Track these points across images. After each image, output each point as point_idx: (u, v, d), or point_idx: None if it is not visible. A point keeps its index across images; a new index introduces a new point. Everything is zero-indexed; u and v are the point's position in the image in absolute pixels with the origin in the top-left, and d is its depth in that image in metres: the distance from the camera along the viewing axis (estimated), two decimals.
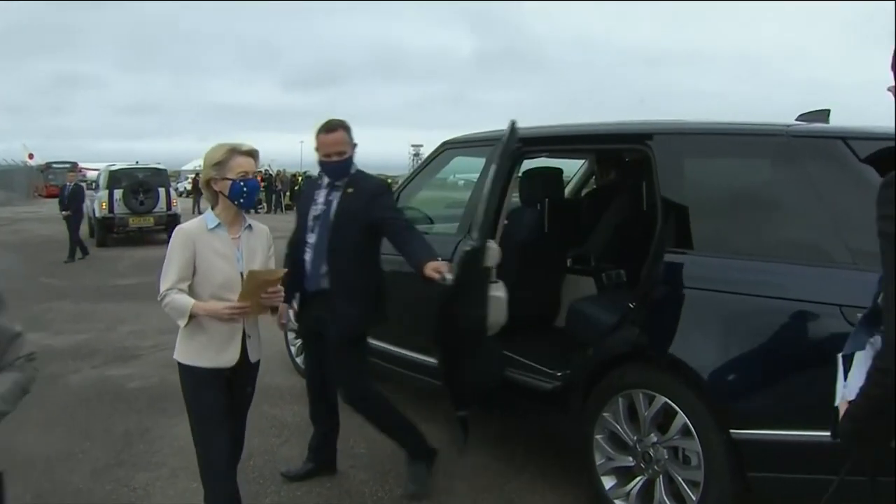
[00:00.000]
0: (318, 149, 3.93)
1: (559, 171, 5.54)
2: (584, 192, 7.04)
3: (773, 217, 3.44)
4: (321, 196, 4.01)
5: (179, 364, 3.28)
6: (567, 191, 6.85)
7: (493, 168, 4.06)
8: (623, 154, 5.87)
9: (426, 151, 4.51)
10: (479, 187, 4.54)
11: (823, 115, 4.07)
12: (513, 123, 3.99)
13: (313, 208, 4.01)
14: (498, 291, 4.11)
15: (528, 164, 5.35)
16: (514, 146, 4.09)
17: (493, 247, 4.01)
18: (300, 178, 34.18)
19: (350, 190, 3.96)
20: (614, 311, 4.01)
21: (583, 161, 7.09)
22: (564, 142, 4.79)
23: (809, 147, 3.35)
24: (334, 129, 3.92)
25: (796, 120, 3.93)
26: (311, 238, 3.98)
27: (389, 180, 5.21)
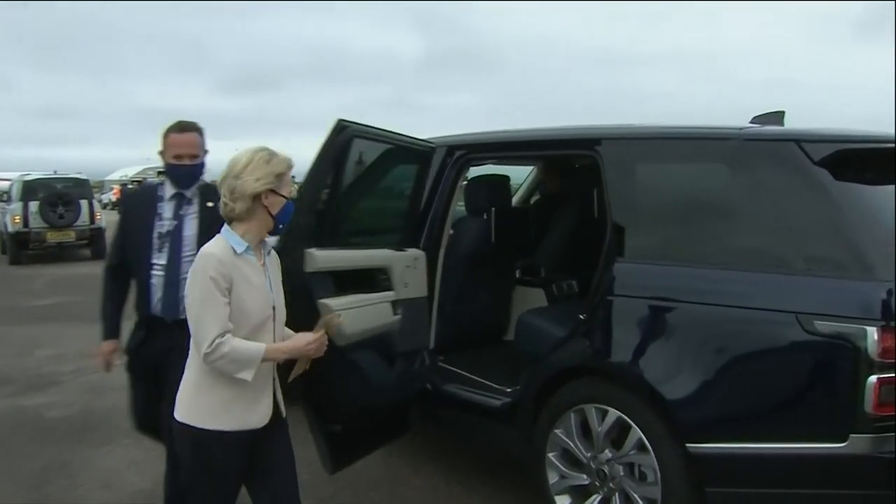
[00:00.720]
0: (165, 151, 3.54)
1: (506, 178, 5.56)
2: (532, 199, 7.06)
3: (726, 223, 3.48)
4: (167, 210, 3.58)
5: (190, 428, 2.72)
6: (515, 199, 6.88)
7: (315, 168, 3.75)
8: (572, 160, 5.92)
9: (368, 160, 4.45)
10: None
11: (778, 116, 4.15)
12: (339, 122, 3.79)
13: (158, 224, 3.54)
14: (332, 300, 3.69)
15: (474, 172, 5.37)
16: (338, 147, 3.80)
17: (315, 253, 3.69)
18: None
19: (210, 204, 3.50)
20: (565, 323, 4.04)
21: (531, 168, 7.11)
22: (511, 148, 4.82)
23: (762, 150, 3.40)
24: (188, 130, 3.58)
25: (750, 122, 4.01)
26: (160, 259, 3.51)
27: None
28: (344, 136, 3.79)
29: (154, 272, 3.52)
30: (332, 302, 3.67)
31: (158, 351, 3.50)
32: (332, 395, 3.79)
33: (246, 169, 2.75)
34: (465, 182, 5.19)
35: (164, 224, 3.54)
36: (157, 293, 3.51)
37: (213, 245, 2.73)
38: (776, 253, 3.25)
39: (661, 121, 4.07)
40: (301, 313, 3.18)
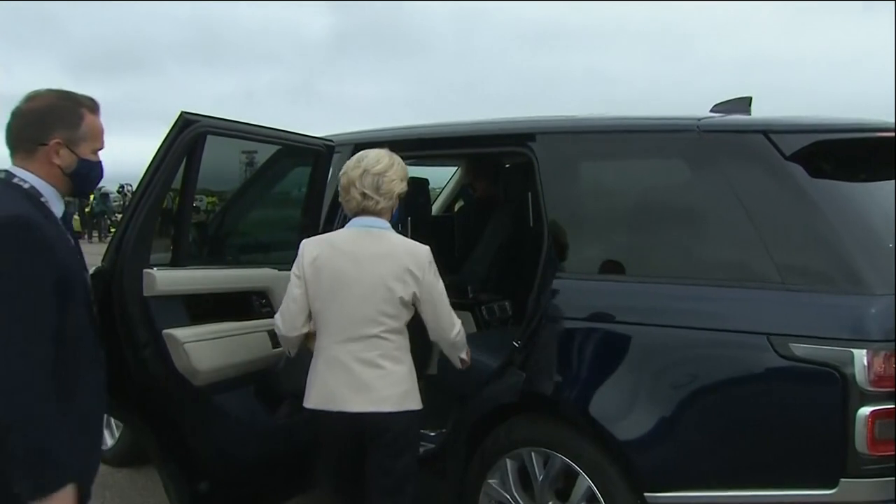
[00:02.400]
0: (88, 138, 2.83)
1: (424, 181, 5.49)
2: (456, 206, 7.01)
3: (685, 231, 3.49)
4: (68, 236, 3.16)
5: (420, 413, 3.42)
6: (435, 206, 6.88)
7: (152, 174, 3.63)
8: (502, 159, 5.87)
9: (262, 159, 4.32)
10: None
11: (744, 103, 4.12)
12: (182, 115, 3.65)
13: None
14: (179, 331, 3.62)
15: None
16: (184, 147, 3.66)
17: (155, 274, 3.57)
18: (91, 195, 32.79)
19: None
20: (497, 353, 4.03)
21: (454, 169, 7.05)
22: (428, 146, 4.76)
23: (725, 143, 3.39)
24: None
25: (711, 111, 3.98)
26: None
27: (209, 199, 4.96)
28: (190, 133, 3.63)
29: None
30: (181, 332, 3.57)
31: None
32: (192, 445, 3.67)
33: (391, 169, 3.45)
34: None
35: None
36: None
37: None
38: (744, 264, 3.24)
39: (619, 110, 4.04)
40: (145, 343, 3.38)
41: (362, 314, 3.26)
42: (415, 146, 4.74)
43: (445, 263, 5.32)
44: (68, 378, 2.51)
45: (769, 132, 3.26)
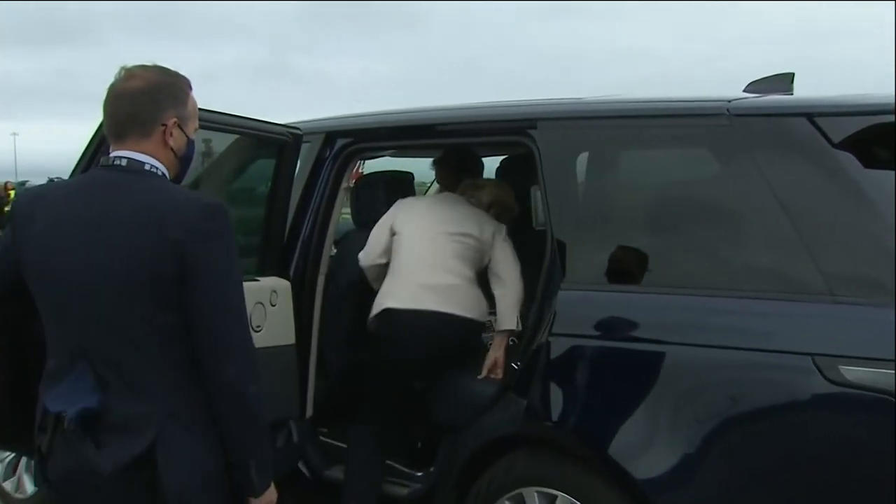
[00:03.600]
0: (192, 117, 2.99)
1: (409, 175, 5.42)
2: None
3: (713, 232, 3.43)
4: None
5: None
6: None
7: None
8: (499, 149, 5.80)
9: (220, 149, 4.24)
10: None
11: (784, 81, 4.00)
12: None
13: None
14: None
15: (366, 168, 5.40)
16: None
17: None
18: (11, 191, 32.90)
19: None
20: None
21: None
22: (415, 134, 4.72)
23: (760, 129, 3.33)
24: None
25: (745, 90, 3.91)
26: None
27: None
28: None
29: None
30: None
31: None
32: None
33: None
34: (352, 183, 5.12)
35: None
36: None
37: None
38: (784, 272, 3.17)
39: (641, 90, 3.97)
40: None
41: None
42: (394, 135, 4.69)
43: None
44: None
45: (814, 115, 3.16)
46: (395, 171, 5.42)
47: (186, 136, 2.72)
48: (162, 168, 2.64)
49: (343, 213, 5.03)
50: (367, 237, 4.97)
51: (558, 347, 3.55)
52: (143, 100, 2.64)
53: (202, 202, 2.55)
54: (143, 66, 2.73)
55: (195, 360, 2.48)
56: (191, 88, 2.79)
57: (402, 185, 5.29)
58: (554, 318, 3.55)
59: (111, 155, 2.65)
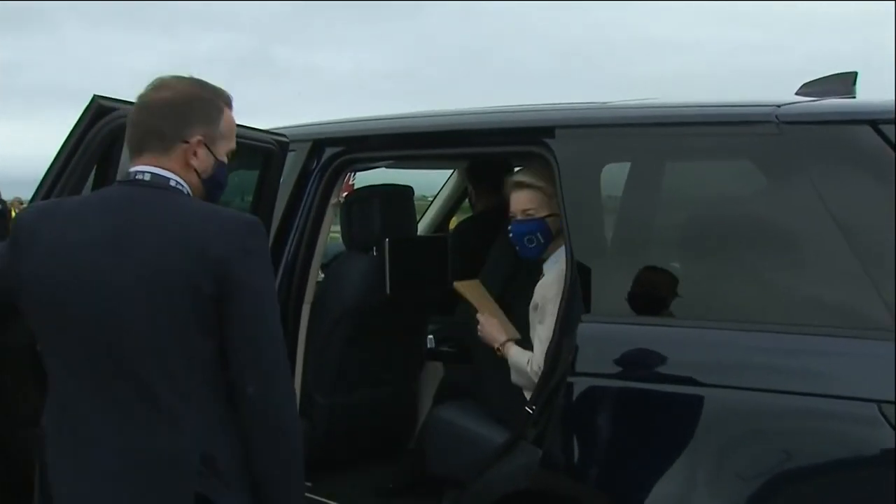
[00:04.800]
0: (226, 137, 3.09)
1: (408, 190, 5.40)
2: (452, 223, 7.02)
3: (756, 259, 3.39)
4: None
5: None
6: (423, 223, 6.87)
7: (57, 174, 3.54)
8: (510, 160, 5.72)
9: None
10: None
11: (845, 82, 3.97)
12: (95, 99, 3.52)
13: None
14: None
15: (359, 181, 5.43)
16: (101, 141, 3.56)
17: None
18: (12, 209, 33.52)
19: None
20: (503, 421, 4.03)
21: (449, 173, 6.94)
22: (415, 143, 4.70)
23: (814, 138, 3.28)
24: None
25: (798, 93, 3.89)
26: None
27: None
28: (108, 123, 3.50)
29: None
30: None
31: None
32: None
33: None
34: (342, 198, 5.10)
35: None
36: None
37: None
38: (842, 305, 3.11)
39: (665, 92, 3.95)
40: None
41: None
42: (390, 144, 4.68)
43: (436, 301, 5.40)
44: None
45: (880, 122, 3.10)
46: (391, 184, 5.38)
47: (215, 158, 2.74)
48: (187, 187, 2.68)
49: (332, 233, 5.05)
50: (360, 264, 4.99)
51: (579, 389, 3.51)
52: (167, 112, 2.67)
53: (243, 219, 2.65)
54: (179, 77, 2.77)
55: (231, 389, 2.55)
56: (229, 106, 2.82)
57: (400, 201, 5.28)
58: (575, 354, 3.51)
59: (131, 169, 2.66)
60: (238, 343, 2.52)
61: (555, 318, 3.73)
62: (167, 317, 2.49)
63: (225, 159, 2.83)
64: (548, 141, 3.79)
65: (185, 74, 2.79)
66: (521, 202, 4.09)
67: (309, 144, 4.55)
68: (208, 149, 2.72)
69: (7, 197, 33.36)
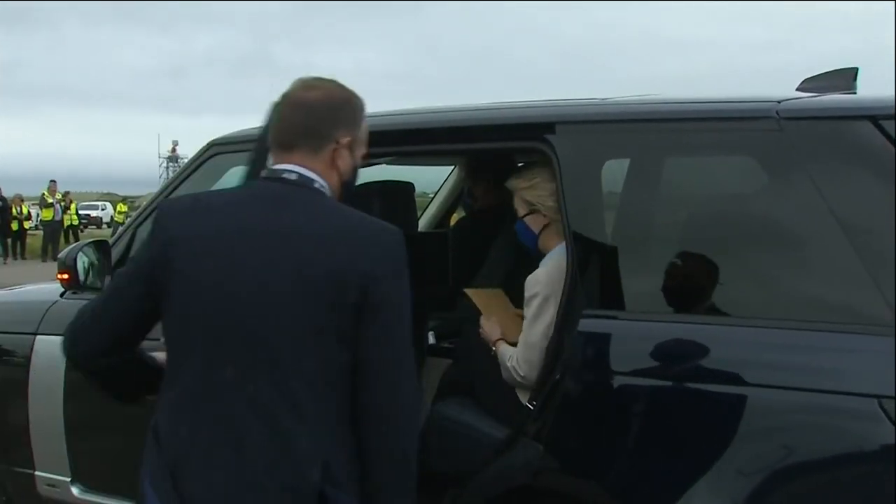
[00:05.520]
0: (363, 143, 3.10)
1: (407, 186, 5.36)
2: (453, 220, 7.01)
3: (755, 255, 3.42)
4: None
5: None
6: (424, 219, 6.85)
7: None
8: (511, 156, 5.72)
9: (190, 154, 4.18)
10: None
11: (846, 77, 3.96)
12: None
13: None
14: None
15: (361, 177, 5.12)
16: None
17: None
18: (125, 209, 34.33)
19: None
20: (503, 418, 4.01)
21: (450, 170, 6.92)
22: (415, 139, 4.68)
23: (814, 134, 3.28)
24: None
25: (798, 89, 3.88)
26: None
27: (126, 204, 4.92)
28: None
29: None
30: None
31: None
32: None
33: None
34: None
35: None
36: None
37: None
38: (841, 301, 3.15)
39: (668, 89, 3.95)
40: None
41: None
42: (387, 140, 4.59)
43: (436, 297, 5.28)
44: None
45: (881, 117, 3.11)
46: (392, 181, 5.37)
47: (354, 161, 2.82)
48: (328, 188, 2.74)
49: None
50: None
51: (577, 384, 3.54)
52: (323, 113, 2.74)
53: (393, 233, 2.70)
54: (322, 79, 2.85)
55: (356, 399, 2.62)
56: (365, 112, 2.90)
57: (400, 198, 5.25)
58: (576, 350, 3.52)
59: (277, 167, 2.73)
60: (373, 354, 2.58)
61: (536, 315, 3.82)
62: (308, 321, 2.56)
63: (359, 165, 2.89)
64: (548, 137, 3.80)
65: (328, 77, 2.85)
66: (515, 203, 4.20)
67: None
68: (350, 151, 2.79)
69: (7, 194, 33.67)
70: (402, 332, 2.65)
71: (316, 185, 2.70)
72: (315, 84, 2.81)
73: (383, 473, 2.63)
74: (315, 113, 2.74)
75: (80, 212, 42.35)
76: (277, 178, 2.70)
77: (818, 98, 3.55)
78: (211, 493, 2.58)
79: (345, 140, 2.75)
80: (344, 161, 2.76)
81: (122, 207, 44.72)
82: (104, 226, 54.24)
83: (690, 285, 3.50)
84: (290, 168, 2.68)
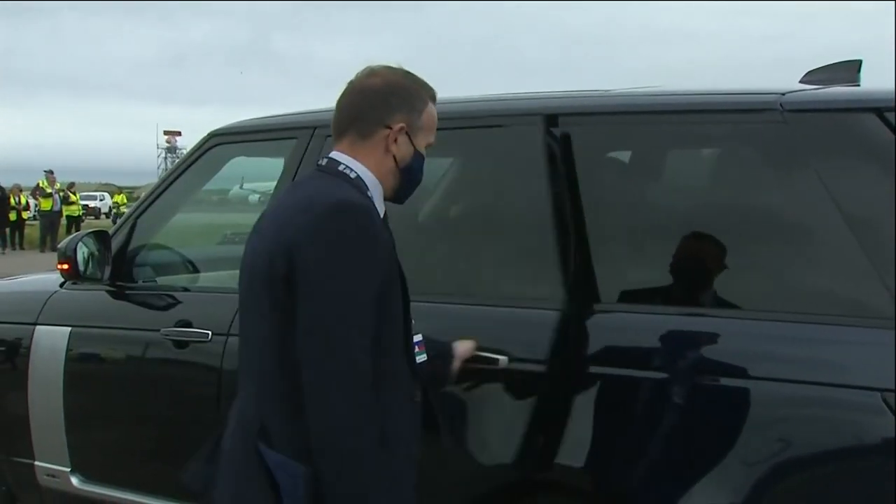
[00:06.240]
0: (426, 129, 3.04)
1: None
2: (452, 209, 6.83)
3: (759, 248, 3.38)
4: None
5: None
6: (424, 210, 6.63)
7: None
8: None
9: (189, 145, 4.18)
10: None
11: (850, 70, 3.93)
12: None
13: None
14: None
15: None
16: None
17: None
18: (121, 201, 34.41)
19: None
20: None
21: (449, 162, 6.88)
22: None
23: (818, 127, 3.26)
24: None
25: (802, 81, 3.85)
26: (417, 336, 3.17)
27: (123, 194, 4.93)
28: None
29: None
30: None
31: None
32: None
33: None
34: None
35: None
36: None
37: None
38: (845, 294, 3.12)
39: (671, 81, 3.95)
40: None
41: None
42: None
43: None
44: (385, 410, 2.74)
45: (885, 109, 3.09)
46: None
47: (414, 148, 2.86)
48: (362, 171, 2.79)
49: None
50: None
51: (581, 377, 3.48)
52: (375, 99, 2.81)
53: (328, 201, 2.65)
54: (389, 67, 2.91)
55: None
56: (433, 101, 2.92)
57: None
58: (580, 343, 3.51)
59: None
60: (298, 328, 2.60)
61: None
62: (253, 294, 2.73)
63: (423, 151, 2.91)
64: (551, 129, 3.77)
65: (395, 65, 2.91)
66: None
67: (310, 131, 4.47)
68: (409, 137, 2.83)
69: (5, 184, 33.61)
70: (320, 306, 2.59)
71: (340, 168, 2.76)
72: (378, 71, 2.87)
73: (316, 456, 2.62)
74: (367, 99, 2.81)
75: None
76: (316, 166, 2.87)
77: (822, 90, 3.53)
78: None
79: (398, 125, 2.80)
80: (400, 147, 2.81)
81: (119, 198, 44.67)
82: (102, 216, 54.07)
83: (693, 278, 3.47)
84: (328, 155, 2.81)
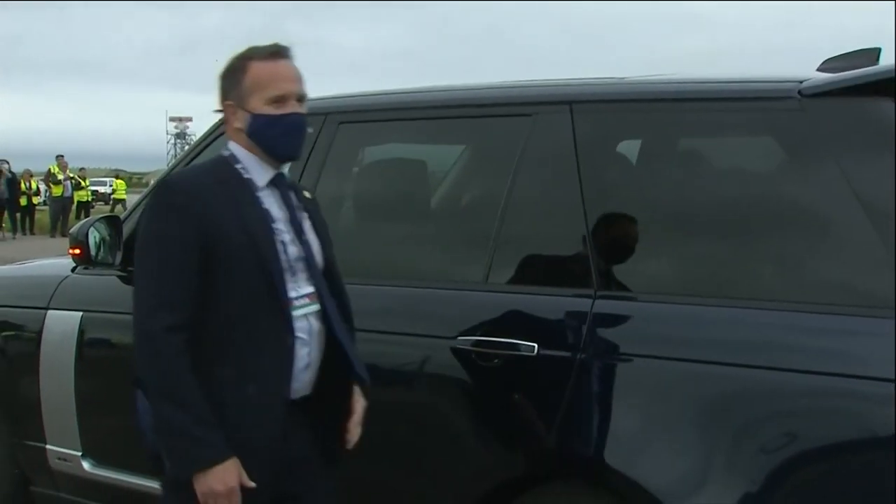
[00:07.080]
0: (255, 90, 3.15)
1: (420, 164, 5.28)
2: (464, 197, 6.82)
3: (776, 237, 3.35)
4: (272, 199, 3.26)
5: None
6: (436, 197, 6.62)
7: None
8: None
9: (200, 131, 4.19)
10: None
11: (868, 58, 3.90)
12: None
13: (278, 227, 3.22)
14: None
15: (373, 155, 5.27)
16: None
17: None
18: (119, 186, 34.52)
19: (306, 193, 3.41)
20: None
21: (462, 148, 6.87)
22: (423, 116, 4.66)
23: (836, 114, 3.22)
24: (286, 55, 3.19)
25: (820, 69, 3.83)
26: (302, 289, 3.22)
27: (122, 180, 4.93)
28: None
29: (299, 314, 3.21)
30: None
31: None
32: None
33: None
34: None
35: (283, 230, 3.24)
36: (305, 353, 3.21)
37: None
38: (864, 284, 3.10)
39: (685, 69, 3.94)
40: None
41: None
42: (405, 115, 4.67)
43: None
44: (220, 350, 3.01)
45: None
46: (402, 158, 5.38)
47: (248, 112, 3.05)
48: (235, 148, 3.12)
49: None
50: None
51: (593, 368, 3.47)
52: (218, 89, 3.17)
53: (167, 177, 3.24)
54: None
55: None
56: (265, 59, 3.09)
57: (413, 174, 5.21)
58: (589, 333, 3.48)
59: None
60: None
61: None
62: None
63: (268, 110, 3.04)
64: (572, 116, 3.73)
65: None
66: None
67: (322, 118, 4.47)
68: (242, 108, 3.05)
69: (16, 169, 33.58)
70: (139, 262, 3.04)
71: (223, 149, 3.18)
72: None
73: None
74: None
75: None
76: None
77: (838, 76, 3.44)
78: None
79: (226, 103, 3.12)
80: (239, 119, 3.07)
81: (118, 184, 44.51)
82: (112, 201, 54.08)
83: (709, 267, 3.45)
84: None
